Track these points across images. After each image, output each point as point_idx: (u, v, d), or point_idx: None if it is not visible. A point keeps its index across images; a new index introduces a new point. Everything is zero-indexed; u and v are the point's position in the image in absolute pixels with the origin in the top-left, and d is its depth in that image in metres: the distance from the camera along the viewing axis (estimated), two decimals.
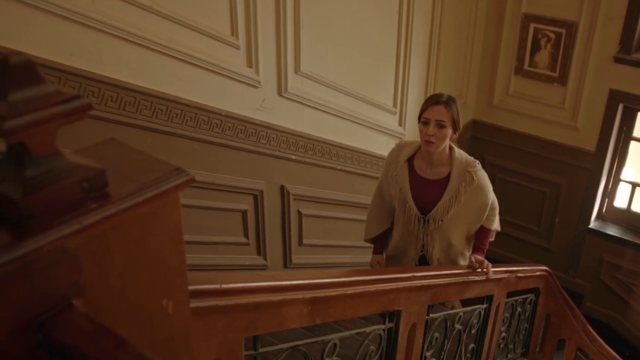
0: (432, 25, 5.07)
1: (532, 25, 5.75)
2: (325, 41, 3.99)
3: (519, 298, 3.81)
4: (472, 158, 3.13)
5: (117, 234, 0.87)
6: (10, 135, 0.75)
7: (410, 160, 3.15)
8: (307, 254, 4.62)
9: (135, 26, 2.82)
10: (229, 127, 3.46)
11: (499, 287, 3.33)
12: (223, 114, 3.39)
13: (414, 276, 2.53)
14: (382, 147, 4.88)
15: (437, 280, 2.69)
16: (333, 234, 4.87)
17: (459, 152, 3.11)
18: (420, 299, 2.58)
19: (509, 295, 3.55)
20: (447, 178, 3.07)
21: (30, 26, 2.46)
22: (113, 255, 0.87)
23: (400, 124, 5.14)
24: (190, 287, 1.08)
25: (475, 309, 3.23)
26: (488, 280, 3.11)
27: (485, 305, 3.30)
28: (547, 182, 6.32)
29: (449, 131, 2.94)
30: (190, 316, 1.06)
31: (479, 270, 3.03)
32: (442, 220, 3.12)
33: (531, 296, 4.00)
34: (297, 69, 3.82)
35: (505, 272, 3.38)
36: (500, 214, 3.29)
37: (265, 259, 4.22)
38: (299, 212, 4.35)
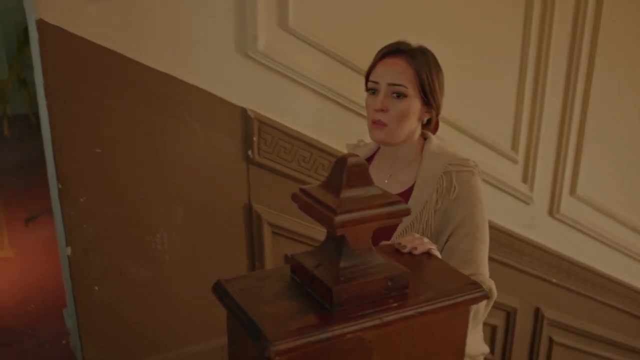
0: None
1: None
2: (604, 166, 3.82)
3: None
4: (462, 156, 1.75)
5: (407, 334, 0.91)
6: (337, 229, 0.84)
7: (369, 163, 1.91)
8: None
9: None
10: (495, 238, 3.42)
11: None
12: (490, 225, 3.36)
13: None
14: None
15: None
16: None
17: (438, 145, 1.77)
18: None
19: None
20: (412, 188, 1.76)
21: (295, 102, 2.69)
22: (399, 353, 0.92)
23: None
24: None
25: None
26: None
27: None
28: None
29: (414, 104, 1.66)
30: None
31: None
32: None
33: None
34: (572, 192, 3.69)
35: None
36: None
37: None
38: (550, 339, 4.11)
